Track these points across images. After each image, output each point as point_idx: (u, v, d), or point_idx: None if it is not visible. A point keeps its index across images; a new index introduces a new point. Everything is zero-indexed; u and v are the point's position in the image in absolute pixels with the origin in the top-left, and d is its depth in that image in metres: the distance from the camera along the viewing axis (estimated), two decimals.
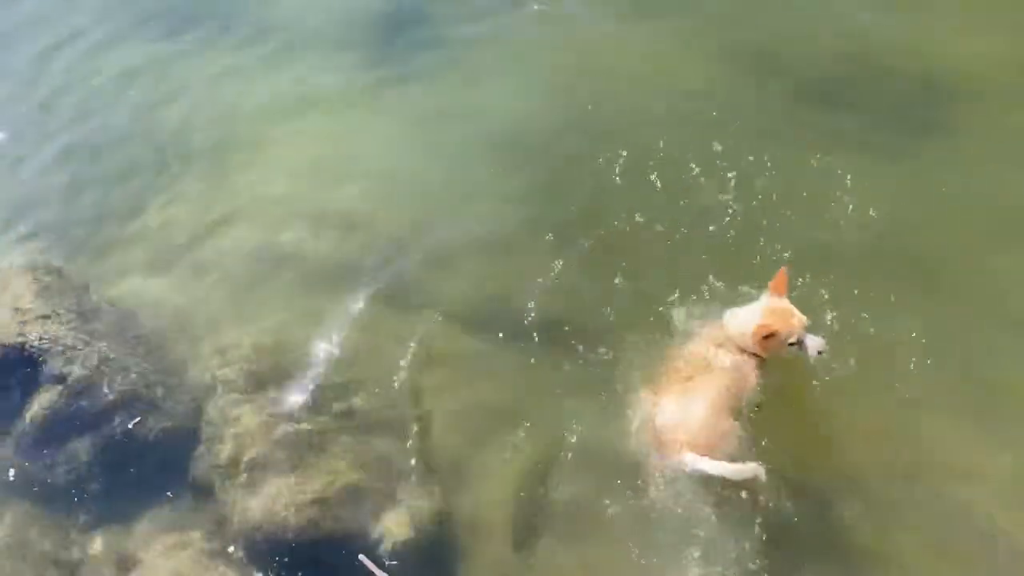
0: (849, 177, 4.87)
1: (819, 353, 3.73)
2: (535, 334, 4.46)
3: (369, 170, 5.49)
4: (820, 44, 5.88)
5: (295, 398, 4.32)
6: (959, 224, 4.69)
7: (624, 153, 5.16)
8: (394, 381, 4.41)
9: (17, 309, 4.37)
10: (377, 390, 4.39)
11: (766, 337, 3.68)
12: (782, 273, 3.79)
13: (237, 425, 4.18)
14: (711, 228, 4.71)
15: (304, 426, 4.20)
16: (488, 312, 4.66)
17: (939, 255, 4.59)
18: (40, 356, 4.23)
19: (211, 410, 4.31)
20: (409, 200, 5.28)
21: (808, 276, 4.31)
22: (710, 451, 3.59)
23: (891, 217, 4.69)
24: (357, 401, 4.35)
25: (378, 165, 5.53)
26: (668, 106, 5.57)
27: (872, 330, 4.14)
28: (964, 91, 5.40)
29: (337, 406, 4.32)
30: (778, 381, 3.88)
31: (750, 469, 3.59)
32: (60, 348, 4.27)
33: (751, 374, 3.80)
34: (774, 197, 4.83)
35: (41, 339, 4.26)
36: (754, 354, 3.79)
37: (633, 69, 5.94)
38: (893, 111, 5.36)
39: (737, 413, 3.76)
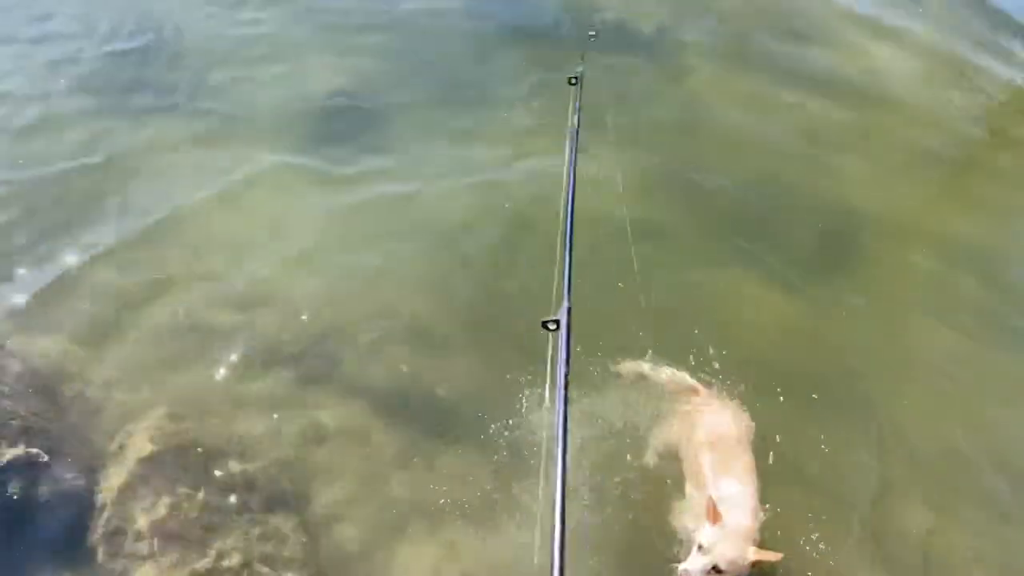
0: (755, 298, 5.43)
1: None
2: (450, 424, 4.70)
3: (298, 253, 5.67)
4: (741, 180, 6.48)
5: (197, 472, 4.34)
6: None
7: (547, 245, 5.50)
8: (303, 465, 4.51)
9: None
10: (283, 473, 4.46)
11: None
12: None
13: (134, 495, 4.18)
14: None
15: (201, 498, 4.23)
16: (408, 401, 4.84)
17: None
18: None
19: (110, 479, 4.28)
20: (335, 286, 5.46)
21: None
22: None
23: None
24: (261, 481, 4.40)
25: (306, 249, 5.71)
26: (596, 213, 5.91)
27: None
28: (866, 232, 5.95)
29: (239, 485, 4.36)
30: None
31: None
32: None
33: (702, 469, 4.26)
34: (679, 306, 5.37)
35: None
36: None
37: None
38: (801, 245, 5.93)
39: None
